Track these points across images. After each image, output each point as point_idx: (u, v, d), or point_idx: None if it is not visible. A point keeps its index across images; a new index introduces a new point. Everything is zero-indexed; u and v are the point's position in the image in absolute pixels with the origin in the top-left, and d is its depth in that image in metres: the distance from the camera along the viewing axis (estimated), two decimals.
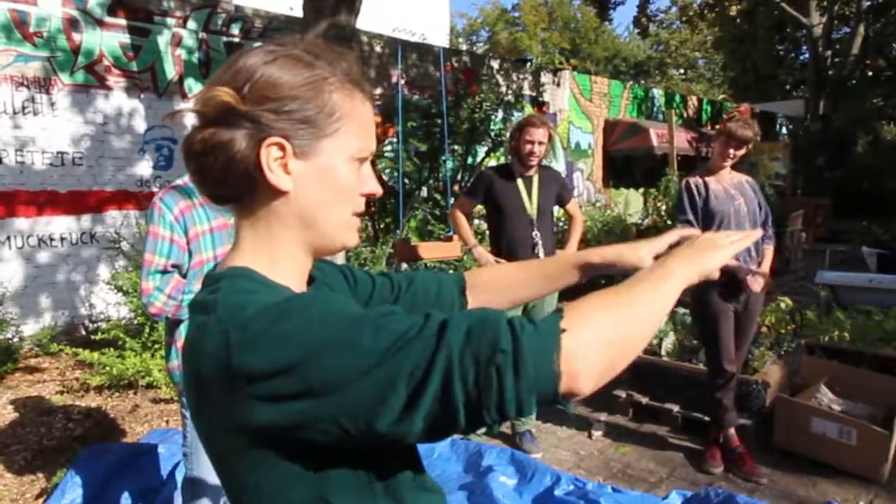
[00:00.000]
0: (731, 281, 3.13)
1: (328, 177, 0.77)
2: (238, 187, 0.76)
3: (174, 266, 2.01)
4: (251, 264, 0.76)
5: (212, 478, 2.03)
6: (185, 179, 2.07)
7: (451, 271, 5.69)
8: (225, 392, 0.67)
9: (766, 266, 3.20)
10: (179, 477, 2.83)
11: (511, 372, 0.61)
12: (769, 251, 3.24)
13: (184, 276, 2.03)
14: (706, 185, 3.18)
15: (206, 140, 0.73)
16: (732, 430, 3.28)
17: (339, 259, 4.29)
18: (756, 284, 3.12)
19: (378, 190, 0.83)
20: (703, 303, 3.29)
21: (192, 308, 0.75)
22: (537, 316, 3.47)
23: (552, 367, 0.62)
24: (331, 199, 0.78)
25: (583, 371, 0.63)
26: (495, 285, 1.10)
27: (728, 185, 3.20)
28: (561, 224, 6.48)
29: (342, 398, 0.62)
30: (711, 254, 0.89)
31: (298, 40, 0.78)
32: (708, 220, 3.16)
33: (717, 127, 3.19)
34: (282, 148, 0.73)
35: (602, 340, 0.66)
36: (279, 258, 0.78)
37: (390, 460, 0.78)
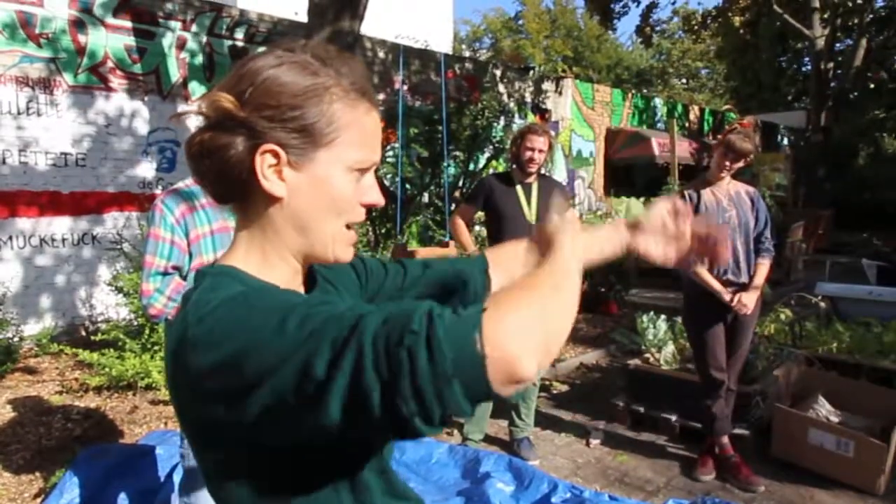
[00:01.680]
0: (716, 303, 3.13)
1: (322, 187, 0.76)
2: (234, 190, 0.77)
3: (175, 268, 2.01)
4: (240, 265, 0.78)
5: None
6: (187, 182, 2.08)
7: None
8: (186, 388, 0.69)
9: (758, 281, 3.17)
10: (177, 478, 2.84)
11: (424, 354, 0.56)
12: (763, 266, 3.20)
13: (184, 278, 2.04)
14: (699, 196, 3.19)
15: (203, 143, 0.74)
16: (726, 439, 3.28)
17: None
18: (742, 307, 3.10)
19: (380, 201, 0.82)
20: (692, 313, 3.30)
21: (182, 302, 0.78)
22: None
23: (473, 349, 0.56)
24: (324, 209, 0.77)
25: (516, 350, 0.57)
26: (514, 260, 1.09)
27: (723, 196, 3.20)
28: None
29: (270, 386, 0.61)
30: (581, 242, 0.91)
31: (307, 45, 0.78)
32: None
33: (718, 137, 3.20)
34: (276, 155, 0.74)
35: (528, 319, 0.61)
36: (270, 261, 0.79)
37: (356, 467, 0.78)
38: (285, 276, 0.80)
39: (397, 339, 0.57)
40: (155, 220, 2.01)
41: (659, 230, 1.04)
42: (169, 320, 2.04)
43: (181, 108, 6.14)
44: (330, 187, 0.76)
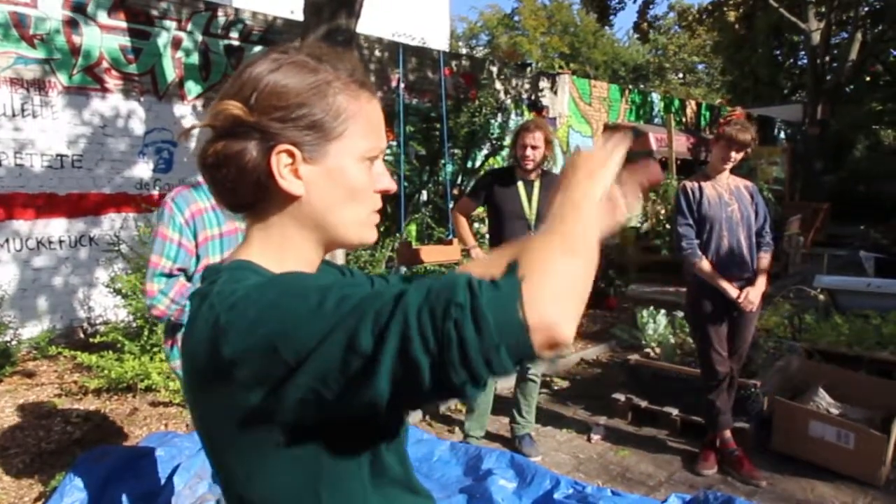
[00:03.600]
0: (719, 297, 3.13)
1: (339, 178, 0.78)
2: (252, 196, 0.78)
3: (180, 270, 1.97)
4: (256, 259, 0.78)
5: None
6: (198, 178, 2.02)
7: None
8: (215, 377, 0.69)
9: (762, 277, 3.18)
10: (178, 480, 2.83)
11: (471, 325, 0.58)
12: (765, 260, 3.21)
13: (189, 279, 2.02)
14: (701, 190, 3.19)
15: (218, 153, 0.75)
16: (728, 433, 3.28)
17: (339, 259, 4.29)
18: (748, 304, 3.11)
19: (392, 186, 0.84)
20: (695, 306, 3.30)
21: (191, 299, 0.78)
22: None
23: (517, 317, 0.59)
24: (343, 199, 0.79)
25: (556, 316, 0.60)
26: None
27: (724, 190, 3.20)
28: None
29: (313, 366, 0.62)
30: (601, 176, 0.85)
31: (300, 46, 0.80)
32: (700, 225, 3.18)
33: (716, 131, 3.20)
34: (291, 154, 0.75)
35: (561, 285, 0.63)
36: (286, 258, 0.80)
37: (380, 453, 0.79)
38: (301, 269, 0.81)
39: (443, 312, 0.59)
40: (164, 218, 1.97)
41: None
42: (172, 321, 2.03)
43: (177, 108, 6.12)
44: (345, 178, 0.78)
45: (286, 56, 0.77)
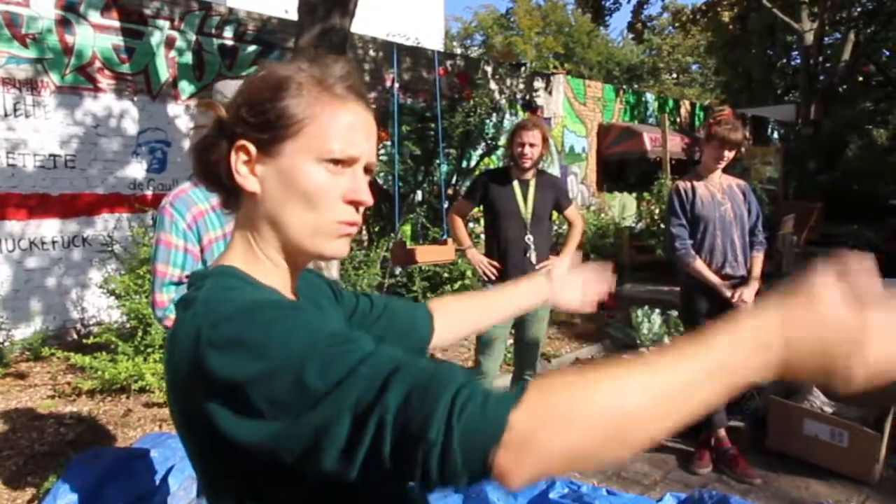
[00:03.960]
0: (714, 296, 3.14)
1: (290, 178, 0.76)
2: (225, 192, 0.81)
3: (188, 277, 1.87)
4: (239, 264, 0.78)
5: None
6: (195, 180, 1.94)
7: (445, 274, 5.65)
8: (192, 388, 0.67)
9: (755, 275, 3.19)
10: (173, 481, 2.82)
11: (437, 461, 0.56)
12: (758, 259, 3.23)
13: None
14: (694, 190, 3.19)
15: (198, 145, 0.81)
16: (723, 432, 3.29)
17: (334, 266, 4.28)
18: (742, 303, 3.12)
19: (368, 200, 0.80)
20: (689, 306, 3.31)
21: (177, 306, 0.77)
22: (529, 327, 3.48)
23: (484, 464, 0.55)
24: (296, 201, 0.76)
25: (515, 469, 0.55)
26: (453, 315, 1.15)
27: (717, 189, 3.21)
28: (563, 229, 6.49)
29: (282, 428, 0.61)
30: (825, 361, 0.58)
31: (299, 53, 0.82)
32: (694, 225, 3.18)
33: (707, 131, 3.20)
34: (247, 151, 0.76)
35: (561, 452, 0.55)
36: (261, 260, 0.80)
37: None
38: (277, 277, 0.80)
39: (414, 436, 0.56)
40: (165, 225, 1.87)
41: (574, 283, 1.22)
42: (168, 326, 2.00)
43: (171, 108, 6.09)
44: (298, 179, 0.75)
45: (282, 63, 0.80)
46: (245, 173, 0.76)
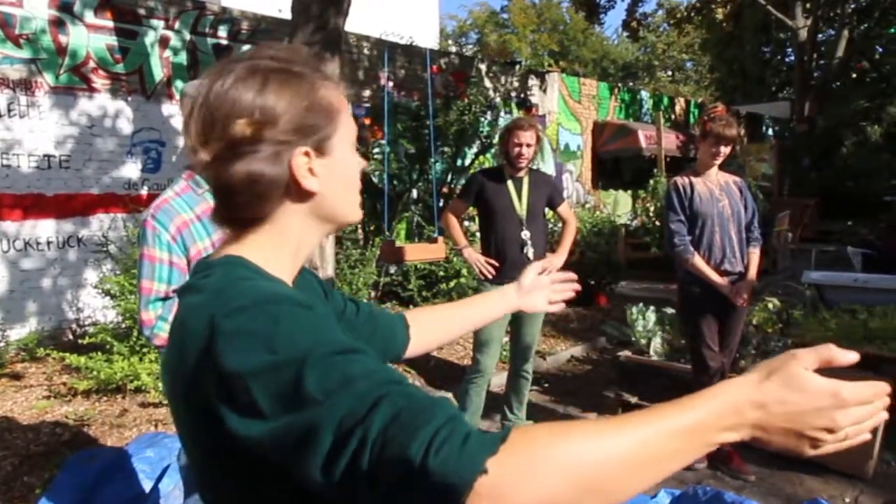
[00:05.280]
0: (711, 293, 3.15)
1: (343, 168, 0.83)
2: (274, 204, 0.79)
3: (175, 291, 1.79)
4: (248, 255, 0.78)
5: None
6: (176, 190, 1.87)
7: (440, 273, 5.66)
8: (201, 376, 0.68)
9: (752, 272, 3.21)
10: (168, 481, 2.82)
11: (407, 492, 0.55)
12: (755, 255, 3.25)
13: None
14: (692, 186, 3.21)
15: (248, 172, 0.75)
16: None
17: (330, 265, 4.29)
18: (740, 299, 3.14)
19: (363, 162, 0.89)
20: (686, 302, 3.32)
21: (181, 292, 0.77)
22: (524, 326, 3.49)
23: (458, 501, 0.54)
24: (347, 186, 0.85)
25: None
26: (425, 327, 1.19)
27: (714, 186, 3.23)
28: (557, 227, 6.51)
29: (275, 426, 0.61)
30: (794, 434, 0.62)
31: (261, 50, 0.81)
32: (692, 221, 3.19)
33: (702, 128, 3.21)
34: (307, 154, 0.78)
35: (543, 488, 0.54)
36: (278, 256, 0.81)
37: None
38: (286, 269, 0.82)
39: (390, 460, 0.56)
40: (147, 239, 1.78)
41: (539, 289, 1.28)
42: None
43: (165, 107, 6.08)
44: (348, 165, 0.84)
45: (258, 64, 0.77)
46: (309, 176, 0.79)
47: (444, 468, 0.54)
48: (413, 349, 1.15)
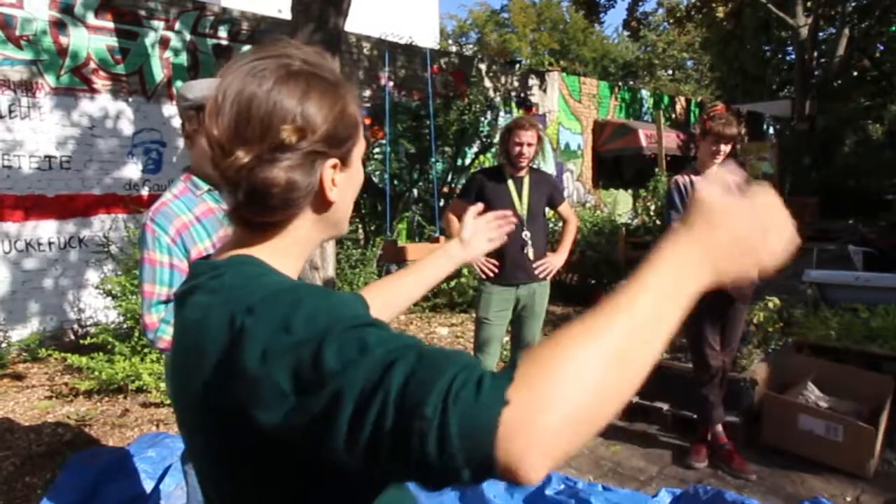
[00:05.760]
0: (711, 291, 3.15)
1: (355, 179, 0.86)
2: (294, 213, 0.79)
3: (177, 292, 1.81)
4: (257, 255, 0.79)
5: None
6: (175, 191, 1.87)
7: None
8: (224, 369, 0.68)
9: None
10: (170, 481, 2.83)
11: (434, 444, 0.53)
12: None
13: None
14: (692, 185, 3.21)
15: (288, 179, 0.75)
16: (720, 427, 3.31)
17: (330, 266, 4.29)
18: (742, 296, 3.14)
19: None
20: None
21: (186, 292, 0.77)
22: (525, 325, 3.48)
23: (487, 452, 0.52)
24: (352, 196, 0.87)
25: (526, 457, 0.52)
26: (383, 299, 1.21)
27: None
28: (558, 226, 6.51)
29: (299, 403, 0.61)
30: (747, 261, 0.66)
31: (291, 48, 0.79)
32: None
33: (701, 127, 3.21)
34: (335, 166, 0.79)
35: (568, 412, 0.53)
36: (288, 256, 0.82)
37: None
38: (295, 268, 0.84)
39: (407, 418, 0.54)
40: (147, 242, 1.78)
41: (478, 233, 1.32)
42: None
43: (165, 108, 6.09)
44: (357, 178, 0.86)
45: (293, 65, 0.76)
46: (332, 187, 0.80)
47: (466, 412, 0.53)
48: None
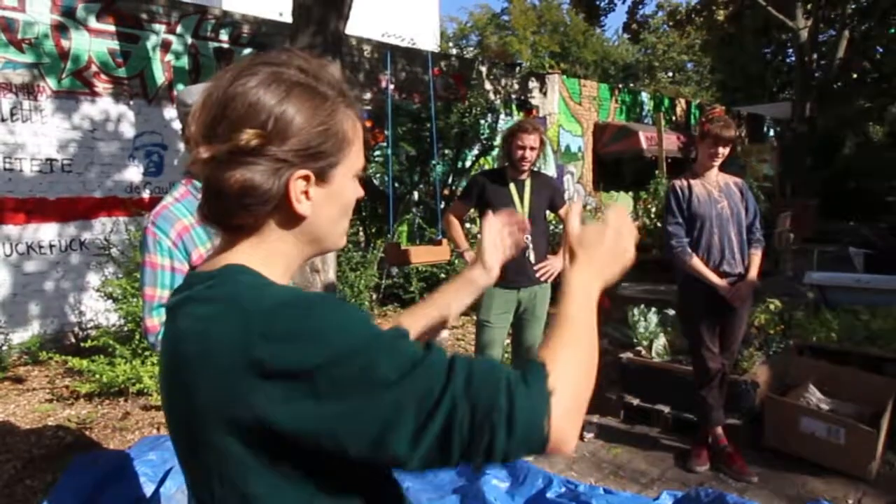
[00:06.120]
0: (711, 294, 3.15)
1: (339, 197, 0.83)
2: (262, 218, 0.79)
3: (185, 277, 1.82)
4: (249, 265, 0.79)
5: None
6: (176, 195, 1.88)
7: (442, 275, 5.67)
8: (230, 381, 0.68)
9: (753, 273, 3.21)
10: (171, 484, 2.82)
11: (504, 431, 0.67)
12: (756, 256, 3.24)
13: None
14: (690, 188, 3.21)
15: (241, 183, 0.75)
16: (720, 430, 3.30)
17: (331, 268, 4.29)
18: (739, 300, 3.14)
19: (361, 191, 0.89)
20: (686, 304, 3.32)
21: (179, 303, 0.77)
22: (526, 330, 3.47)
23: (542, 432, 0.69)
24: (337, 215, 0.84)
25: (569, 431, 0.71)
26: (422, 319, 1.17)
27: (713, 187, 3.23)
28: (559, 229, 6.50)
29: (353, 412, 0.66)
30: (619, 262, 0.94)
31: (291, 57, 0.80)
32: (690, 222, 3.19)
33: (700, 130, 3.22)
34: (307, 179, 0.78)
35: (578, 396, 0.75)
36: (274, 265, 0.81)
37: (375, 476, 0.81)
38: (286, 279, 0.83)
39: (483, 413, 0.67)
40: (149, 246, 1.78)
41: (496, 248, 1.23)
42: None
43: (167, 111, 6.10)
44: (343, 197, 0.84)
45: (285, 73, 0.77)
46: (303, 200, 0.78)
47: (527, 406, 0.68)
48: None
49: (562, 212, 3.59)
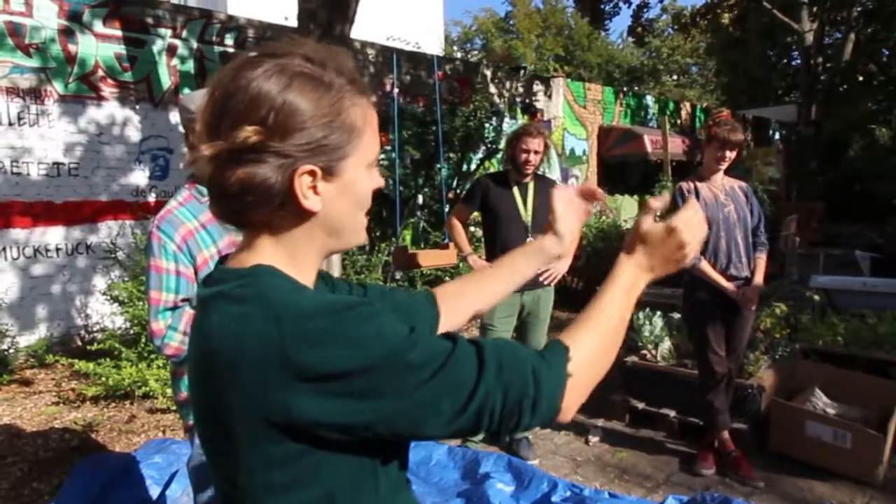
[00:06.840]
0: (717, 298, 3.15)
1: (352, 190, 0.81)
2: (270, 216, 0.78)
3: (184, 300, 1.81)
4: (276, 265, 0.78)
5: None
6: (179, 199, 1.89)
7: (447, 279, 5.68)
8: (264, 381, 0.69)
9: (759, 277, 3.20)
10: (176, 486, 2.83)
11: (529, 414, 0.76)
12: (762, 260, 3.23)
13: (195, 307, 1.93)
14: (697, 191, 3.21)
15: (242, 181, 0.74)
16: (726, 434, 3.29)
17: (336, 271, 4.30)
18: (747, 303, 3.13)
19: (381, 181, 0.87)
20: (692, 307, 3.31)
21: (214, 297, 0.75)
22: (530, 330, 3.47)
23: (557, 410, 0.79)
24: (353, 208, 0.82)
25: (575, 406, 0.81)
26: (458, 297, 1.15)
27: (719, 191, 3.22)
28: None
29: (389, 408, 0.70)
30: (673, 264, 0.96)
31: (297, 46, 0.78)
32: None
33: (707, 133, 3.21)
34: (313, 174, 0.76)
35: (591, 380, 0.84)
36: (297, 262, 0.81)
37: (392, 461, 0.82)
38: (310, 276, 0.83)
39: (515, 399, 0.75)
40: (154, 250, 1.79)
41: (568, 217, 1.20)
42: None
43: (173, 115, 6.12)
44: (357, 188, 0.81)
45: (290, 65, 0.75)
46: (311, 195, 0.76)
47: (550, 384, 0.78)
48: (451, 321, 1.11)
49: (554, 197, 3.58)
